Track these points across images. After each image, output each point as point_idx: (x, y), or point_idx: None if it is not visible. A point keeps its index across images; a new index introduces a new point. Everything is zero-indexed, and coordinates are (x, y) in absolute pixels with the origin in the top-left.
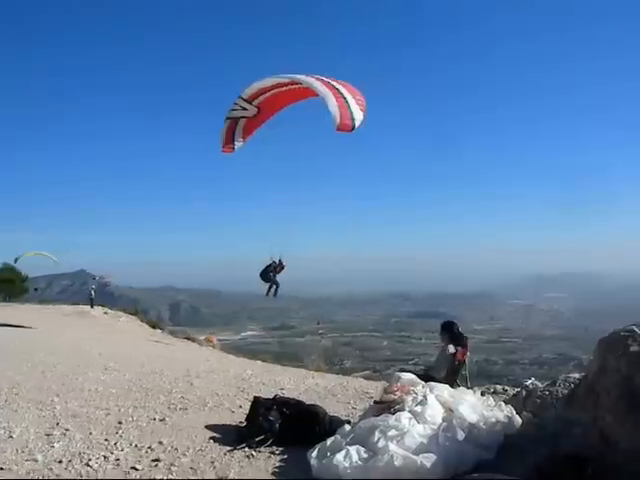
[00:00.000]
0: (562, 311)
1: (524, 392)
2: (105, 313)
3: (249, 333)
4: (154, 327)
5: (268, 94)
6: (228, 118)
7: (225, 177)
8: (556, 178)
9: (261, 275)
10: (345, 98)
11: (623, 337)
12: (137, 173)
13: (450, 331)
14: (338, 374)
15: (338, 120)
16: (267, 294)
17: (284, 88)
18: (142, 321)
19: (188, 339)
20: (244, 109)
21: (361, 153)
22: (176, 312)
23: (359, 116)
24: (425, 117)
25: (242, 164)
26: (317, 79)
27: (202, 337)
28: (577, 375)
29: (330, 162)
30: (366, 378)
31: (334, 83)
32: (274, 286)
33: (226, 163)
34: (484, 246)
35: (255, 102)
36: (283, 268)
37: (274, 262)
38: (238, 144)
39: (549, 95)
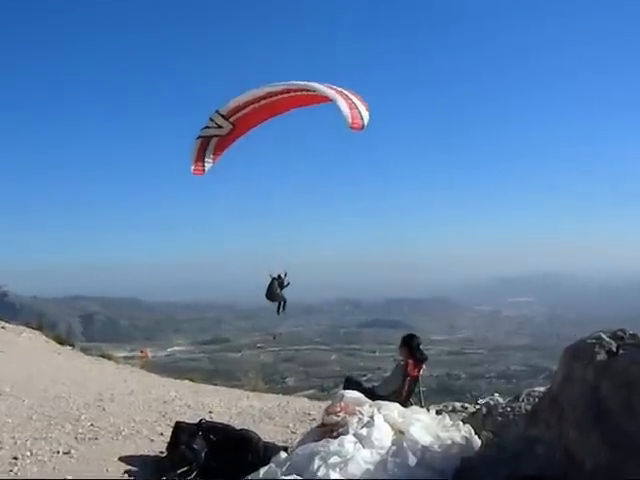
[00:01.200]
0: (531, 317)
1: (484, 409)
2: (2, 328)
3: (176, 348)
4: (62, 343)
5: (249, 108)
6: (200, 137)
7: (137, 164)
8: (524, 170)
9: (268, 296)
10: (351, 100)
11: (590, 345)
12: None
13: (409, 345)
14: (278, 394)
15: (350, 120)
16: (278, 313)
17: (273, 99)
18: (48, 337)
19: (103, 357)
20: (219, 127)
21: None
22: (89, 325)
23: (366, 115)
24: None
25: (157, 154)
26: (319, 84)
27: (121, 354)
28: (542, 389)
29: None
30: (310, 398)
31: (338, 88)
32: (282, 302)
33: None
34: (442, 246)
35: (232, 118)
36: (289, 284)
37: (278, 277)
38: (208, 165)
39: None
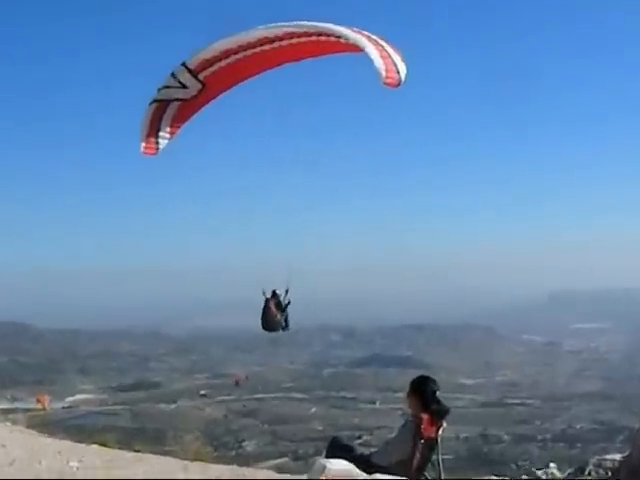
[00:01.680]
0: (604, 351)
1: None
2: None
3: (80, 397)
4: None
5: (230, 60)
6: (156, 101)
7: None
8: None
9: (265, 326)
10: (383, 46)
11: None
12: None
13: (422, 393)
14: (232, 464)
15: (384, 73)
16: (284, 329)
17: (267, 47)
18: None
19: None
20: (183, 86)
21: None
22: None
23: (403, 68)
24: None
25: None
26: (338, 26)
27: None
28: (618, 456)
29: None
30: (279, 469)
31: (363, 31)
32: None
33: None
34: (473, 249)
35: (203, 74)
36: (289, 303)
37: (273, 295)
38: (164, 141)
39: None
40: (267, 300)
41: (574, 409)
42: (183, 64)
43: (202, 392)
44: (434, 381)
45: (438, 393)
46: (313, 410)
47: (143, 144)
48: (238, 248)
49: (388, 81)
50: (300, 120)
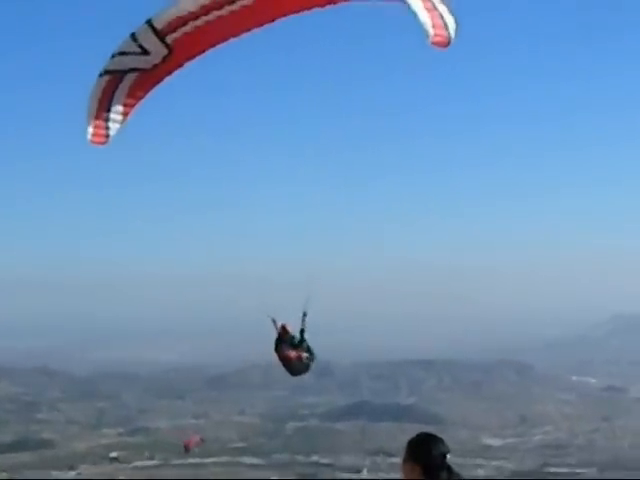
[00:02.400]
0: None
1: None
2: None
3: None
4: None
5: (210, 17)
6: (107, 72)
7: None
8: None
9: (295, 372)
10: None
11: None
12: None
13: (425, 458)
14: None
15: (432, 30)
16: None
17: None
18: None
19: None
20: (143, 52)
21: None
22: None
23: (452, 23)
24: None
25: None
26: None
27: None
28: None
29: None
30: None
31: None
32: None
33: None
34: (504, 260)
35: (171, 36)
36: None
37: (283, 330)
38: (115, 125)
39: None
40: (279, 344)
41: None
42: (148, 22)
43: (113, 455)
44: (442, 441)
45: (449, 457)
46: None
47: (90, 130)
48: (155, 253)
49: (436, 40)
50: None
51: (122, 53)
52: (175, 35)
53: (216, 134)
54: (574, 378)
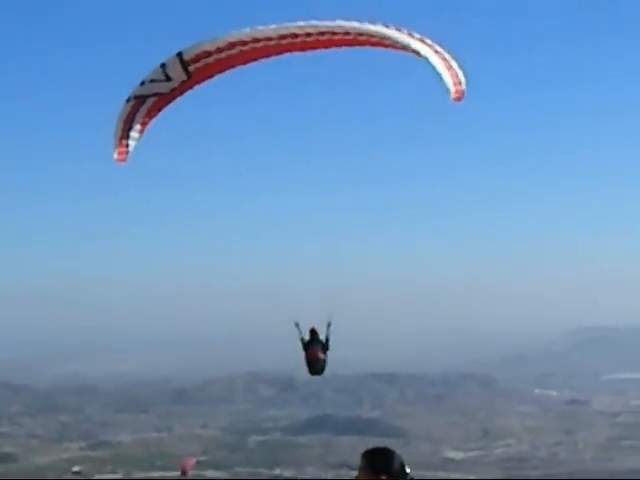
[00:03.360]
0: None
1: None
2: None
3: None
4: None
5: (232, 51)
6: (135, 97)
7: None
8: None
9: (317, 372)
10: (443, 54)
11: None
12: None
13: (385, 470)
14: None
15: (452, 88)
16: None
17: (268, 42)
18: None
19: None
20: (167, 79)
21: None
22: None
23: (463, 78)
24: None
25: None
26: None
27: None
28: None
29: None
30: None
31: (413, 33)
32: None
33: None
34: (468, 273)
35: (193, 66)
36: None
37: (312, 333)
38: (132, 142)
39: None
40: (309, 344)
41: None
42: (179, 54)
43: (75, 469)
44: (393, 453)
45: (410, 472)
46: None
47: (116, 150)
48: (117, 265)
49: (456, 96)
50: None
51: (151, 81)
52: (197, 65)
53: (212, 144)
54: (536, 391)
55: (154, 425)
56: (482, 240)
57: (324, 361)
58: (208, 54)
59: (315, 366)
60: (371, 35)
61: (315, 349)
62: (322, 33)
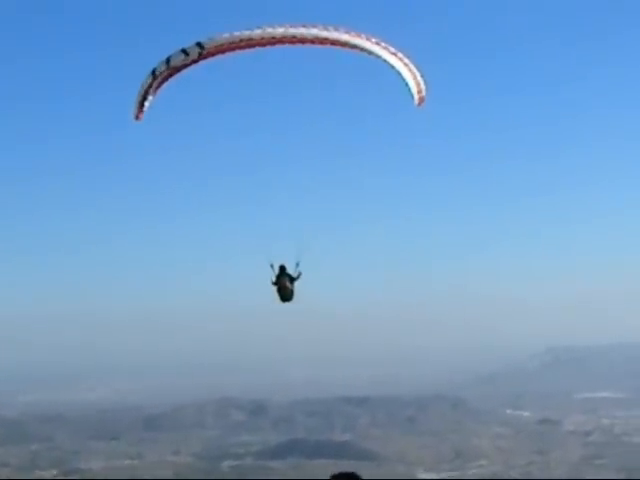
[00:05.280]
0: (621, 433)
1: None
2: None
3: None
4: None
5: (242, 43)
6: (153, 70)
7: None
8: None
9: (287, 298)
10: (402, 60)
11: None
12: None
13: None
14: None
15: (416, 95)
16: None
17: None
18: None
19: None
20: (185, 55)
21: None
22: None
23: (424, 85)
24: None
25: None
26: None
27: None
28: None
29: None
30: None
31: (377, 41)
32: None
33: None
34: (437, 294)
35: (207, 45)
36: (300, 274)
37: (282, 268)
38: (147, 104)
39: None
40: (279, 277)
41: None
42: (199, 44)
43: None
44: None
45: None
46: None
47: (135, 111)
48: (82, 291)
49: (419, 103)
50: None
51: (170, 57)
52: (211, 44)
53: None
54: (508, 412)
55: (126, 452)
56: (453, 261)
57: (291, 290)
58: (225, 40)
59: (284, 293)
60: (349, 45)
61: (284, 280)
62: (305, 39)
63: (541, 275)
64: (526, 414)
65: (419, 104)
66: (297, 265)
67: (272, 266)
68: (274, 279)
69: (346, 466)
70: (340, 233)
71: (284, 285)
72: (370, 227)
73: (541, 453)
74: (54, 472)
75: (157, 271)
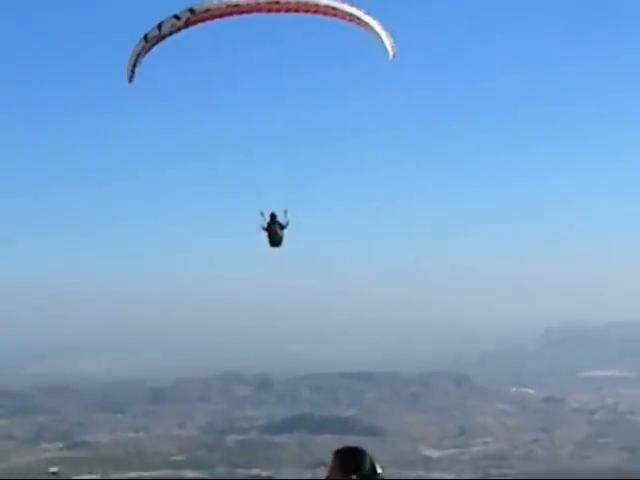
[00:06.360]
0: (625, 411)
1: None
2: None
3: None
4: None
5: (232, 9)
6: (145, 35)
7: None
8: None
9: (276, 243)
10: (374, 18)
11: None
12: None
13: (351, 470)
14: None
15: (391, 51)
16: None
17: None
18: None
19: None
20: (177, 18)
21: None
22: None
23: (393, 41)
24: None
25: None
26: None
27: None
28: None
29: None
30: None
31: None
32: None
33: None
34: (443, 272)
35: (197, 9)
36: (288, 223)
37: (273, 217)
38: (138, 68)
39: None
40: (270, 225)
41: None
42: (191, 9)
43: (52, 469)
44: (364, 454)
45: (381, 472)
46: None
47: (129, 74)
48: (89, 267)
49: (393, 57)
50: None
51: (162, 22)
52: (200, 8)
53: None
54: (513, 389)
55: (131, 425)
56: (458, 240)
57: (281, 237)
58: (215, 5)
59: (274, 239)
60: (327, 7)
61: (274, 227)
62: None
63: (546, 253)
64: (531, 392)
65: (393, 58)
66: (285, 213)
67: (262, 214)
68: (265, 225)
69: (350, 441)
70: (344, 209)
71: (275, 231)
72: (372, 202)
73: (545, 431)
74: (59, 445)
75: (162, 248)
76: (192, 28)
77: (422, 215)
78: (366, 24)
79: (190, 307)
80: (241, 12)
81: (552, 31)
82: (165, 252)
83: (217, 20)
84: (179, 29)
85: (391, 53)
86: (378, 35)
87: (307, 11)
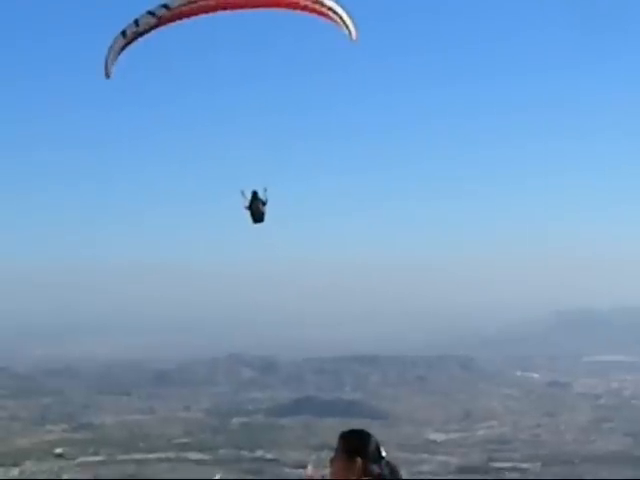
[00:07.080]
0: (630, 396)
1: None
2: None
3: None
4: None
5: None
6: (122, 31)
7: None
8: None
9: (259, 220)
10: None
11: None
12: None
13: (356, 453)
14: None
15: (354, 32)
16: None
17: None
18: None
19: None
20: (152, 14)
21: None
22: None
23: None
24: None
25: None
26: None
27: None
28: None
29: None
30: None
31: None
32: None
33: None
34: (448, 255)
35: (173, 4)
36: (267, 200)
37: (255, 194)
38: (114, 63)
39: None
40: (252, 202)
41: (588, 477)
42: (165, 5)
43: (57, 451)
44: (370, 437)
45: (385, 455)
46: (217, 477)
47: (105, 70)
48: (92, 245)
49: (355, 38)
50: None
51: (137, 19)
52: (175, 3)
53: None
54: (518, 373)
55: (136, 407)
56: (461, 222)
57: (263, 212)
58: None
59: (257, 215)
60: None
61: (257, 204)
62: None
63: (553, 236)
64: (536, 376)
65: (355, 39)
66: (265, 190)
67: (243, 193)
68: (247, 204)
69: (356, 424)
70: (347, 190)
71: (257, 207)
72: (379, 184)
73: (550, 415)
74: (64, 426)
75: (166, 225)
76: (170, 25)
77: (424, 196)
78: (329, 8)
79: (195, 289)
80: (215, 9)
81: (552, 31)
82: (169, 232)
83: (194, 17)
84: (156, 26)
85: (354, 33)
86: (340, 17)
87: (278, 5)
